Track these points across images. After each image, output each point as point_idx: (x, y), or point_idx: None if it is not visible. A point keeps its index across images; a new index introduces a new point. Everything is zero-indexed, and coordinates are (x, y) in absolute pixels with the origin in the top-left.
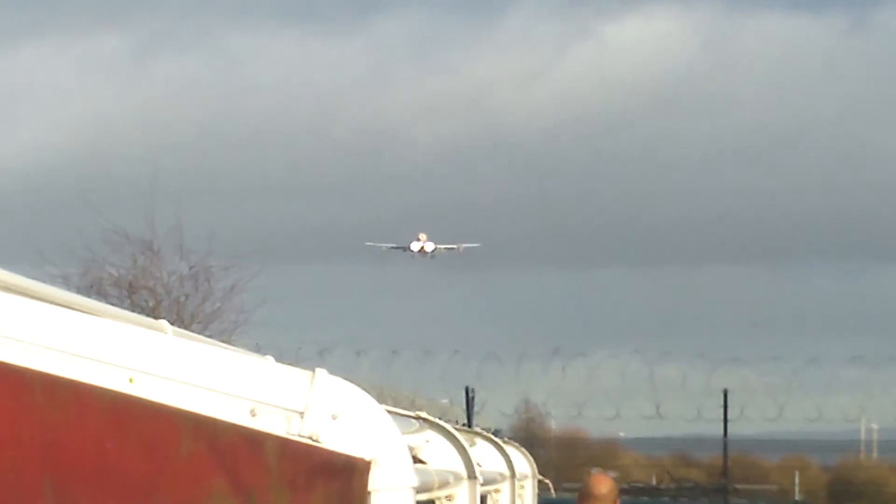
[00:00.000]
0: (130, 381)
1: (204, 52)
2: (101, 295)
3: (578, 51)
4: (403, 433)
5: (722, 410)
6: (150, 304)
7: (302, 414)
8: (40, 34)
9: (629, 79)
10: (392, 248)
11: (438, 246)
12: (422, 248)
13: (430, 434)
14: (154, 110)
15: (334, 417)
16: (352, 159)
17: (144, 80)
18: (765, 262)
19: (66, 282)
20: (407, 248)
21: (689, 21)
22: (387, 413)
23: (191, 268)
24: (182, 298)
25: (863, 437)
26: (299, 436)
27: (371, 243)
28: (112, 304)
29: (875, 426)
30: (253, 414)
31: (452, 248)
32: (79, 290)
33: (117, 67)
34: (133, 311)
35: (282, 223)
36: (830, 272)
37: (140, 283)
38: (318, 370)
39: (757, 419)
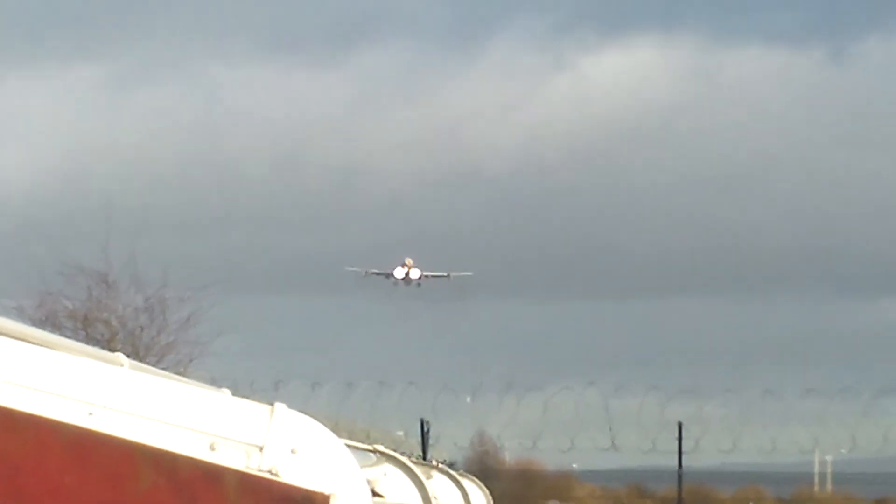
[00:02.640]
0: (90, 414)
1: (180, 83)
2: (57, 327)
3: (557, 83)
4: (361, 466)
5: (677, 442)
6: (106, 336)
7: (261, 448)
8: (12, 65)
9: (606, 111)
10: (373, 273)
11: (425, 273)
12: (407, 274)
13: (388, 467)
14: (128, 143)
15: (293, 451)
16: (327, 191)
17: (117, 112)
18: (721, 295)
19: (20, 313)
20: (390, 275)
21: (667, 54)
22: (345, 447)
23: (146, 300)
24: (137, 330)
25: (817, 468)
26: (259, 470)
27: (352, 268)
28: (67, 337)
29: (829, 458)
30: (212, 448)
31: (441, 276)
32: (34, 323)
33: (89, 99)
34: (88, 343)
35: (256, 253)
36: (786, 305)
37: (95, 316)
38: (277, 404)
39: (712, 451)
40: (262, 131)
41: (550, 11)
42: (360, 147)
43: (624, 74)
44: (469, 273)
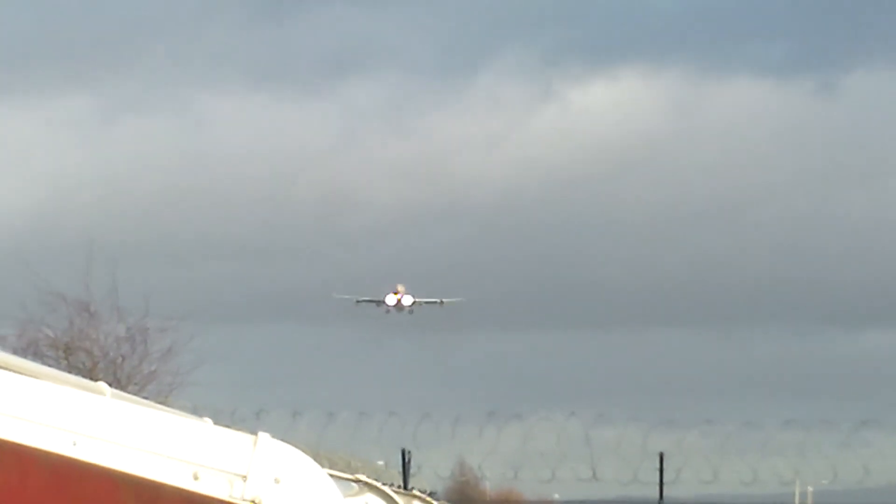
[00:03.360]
0: (73, 444)
1: (166, 113)
2: (38, 356)
3: (544, 115)
4: (344, 496)
5: (658, 473)
6: (87, 365)
7: (245, 477)
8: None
9: (593, 143)
10: (364, 301)
11: (417, 300)
12: (399, 300)
13: (370, 497)
14: (113, 172)
15: (277, 481)
16: (313, 222)
17: (102, 141)
18: (702, 326)
19: (1, 342)
20: (381, 302)
21: (654, 85)
22: (328, 476)
23: (128, 329)
24: (119, 360)
25: (797, 500)
26: (242, 499)
27: (340, 296)
28: (49, 366)
29: (810, 489)
30: (196, 477)
31: (434, 302)
32: (15, 352)
33: (74, 128)
34: (70, 372)
35: (243, 283)
36: (767, 337)
37: (77, 345)
38: (260, 434)
39: (693, 482)
40: (248, 162)
41: (537, 44)
42: (346, 178)
43: (611, 106)
44: (461, 299)
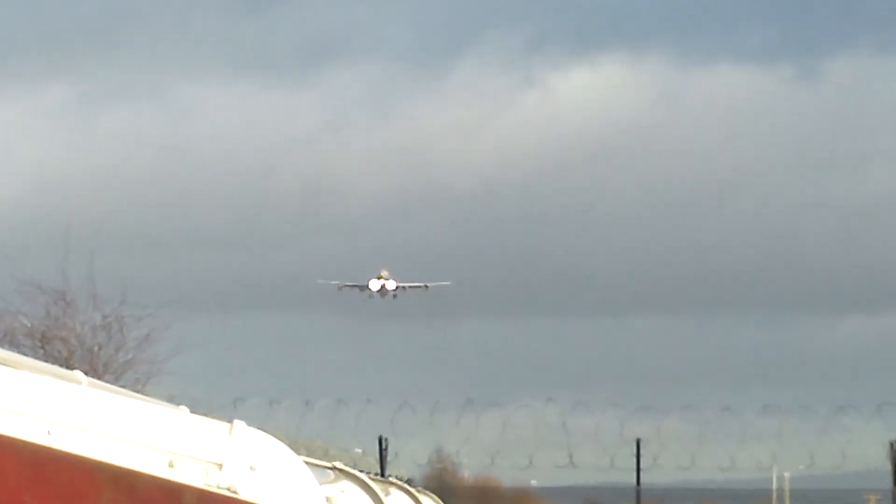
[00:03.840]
0: (48, 433)
1: (146, 101)
2: (14, 345)
3: (526, 101)
4: (320, 483)
5: (635, 459)
6: (64, 354)
7: (220, 465)
8: None
9: (575, 129)
10: (346, 286)
11: (401, 284)
12: (383, 286)
13: (346, 484)
14: (91, 160)
15: (252, 469)
16: (293, 209)
17: (82, 129)
18: (680, 313)
19: None
20: (365, 287)
21: (636, 72)
22: (304, 464)
23: (104, 318)
24: (95, 348)
25: (775, 485)
26: (218, 487)
27: (323, 281)
28: (25, 355)
29: (787, 474)
30: (171, 465)
31: (418, 287)
32: None
33: (52, 117)
34: (46, 361)
35: (222, 271)
36: (745, 324)
37: (53, 334)
38: (235, 422)
39: (670, 468)
40: (230, 150)
41: (519, 30)
42: (328, 166)
43: (592, 92)
44: (447, 283)
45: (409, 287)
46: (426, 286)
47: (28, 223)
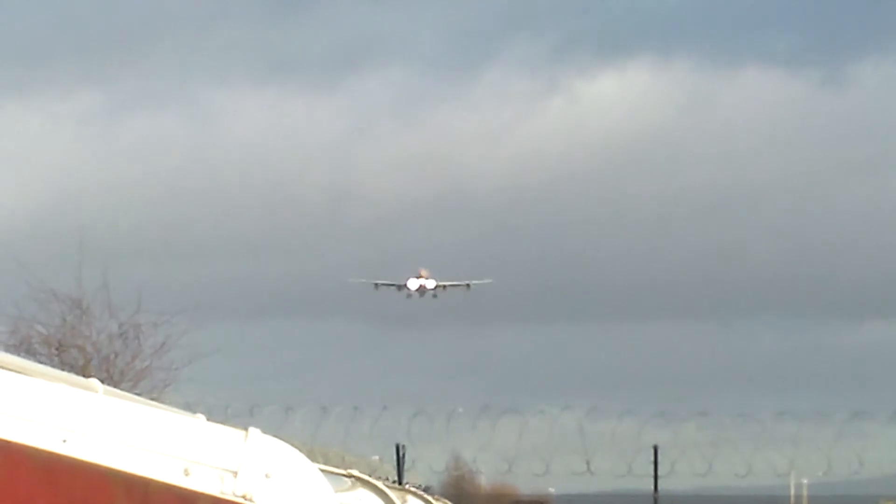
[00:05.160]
0: (64, 441)
1: (173, 108)
2: (30, 353)
3: (552, 108)
4: (336, 491)
5: (652, 466)
6: (80, 362)
7: (235, 473)
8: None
9: (601, 134)
10: (383, 284)
11: (441, 283)
12: (421, 285)
13: (363, 492)
14: (116, 167)
15: (267, 476)
16: (318, 215)
17: (107, 137)
18: (697, 319)
19: None
20: (403, 286)
21: (662, 77)
22: (320, 472)
23: (120, 325)
24: (112, 356)
25: (792, 491)
26: (233, 495)
27: (355, 280)
28: (41, 363)
29: (804, 481)
30: (186, 473)
31: (460, 285)
32: (7, 349)
33: (75, 124)
34: (62, 369)
35: (245, 277)
36: (762, 329)
37: (69, 342)
38: (251, 429)
39: (687, 474)
40: (256, 155)
41: (545, 36)
42: (352, 171)
43: (618, 98)
44: (489, 280)
45: (450, 286)
46: (468, 285)
47: (45, 230)
